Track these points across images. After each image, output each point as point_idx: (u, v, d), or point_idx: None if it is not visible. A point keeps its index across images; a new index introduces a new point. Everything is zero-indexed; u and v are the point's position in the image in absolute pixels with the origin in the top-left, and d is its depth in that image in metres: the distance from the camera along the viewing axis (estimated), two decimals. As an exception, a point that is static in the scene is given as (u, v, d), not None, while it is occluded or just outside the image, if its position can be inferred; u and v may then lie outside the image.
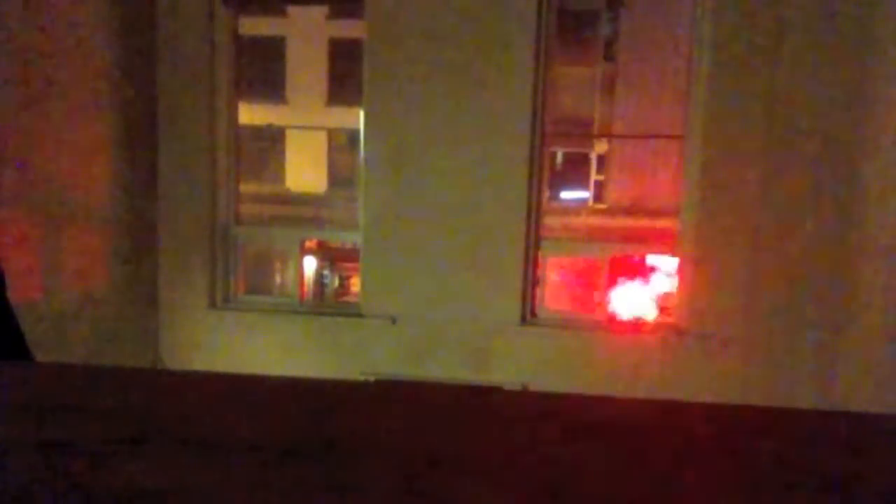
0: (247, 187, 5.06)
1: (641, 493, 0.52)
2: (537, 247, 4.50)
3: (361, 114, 4.55)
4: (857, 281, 3.97)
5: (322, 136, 15.13)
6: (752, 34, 4.08)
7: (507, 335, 4.44)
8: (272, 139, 14.74)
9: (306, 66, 14.54)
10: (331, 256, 12.77)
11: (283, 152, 15.08)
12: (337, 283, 13.46)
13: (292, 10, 13.31)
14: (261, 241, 5.49)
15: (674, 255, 4.51)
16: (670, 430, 0.64)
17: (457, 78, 4.34)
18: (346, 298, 12.41)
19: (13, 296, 1.30)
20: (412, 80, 4.38)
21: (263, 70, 13.59)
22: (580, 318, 4.70)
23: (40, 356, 1.33)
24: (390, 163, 4.48)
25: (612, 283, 4.77)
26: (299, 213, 11.60)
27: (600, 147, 14.05)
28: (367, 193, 4.55)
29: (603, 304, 4.69)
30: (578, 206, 13.18)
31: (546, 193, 4.65)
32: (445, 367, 4.45)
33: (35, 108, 3.59)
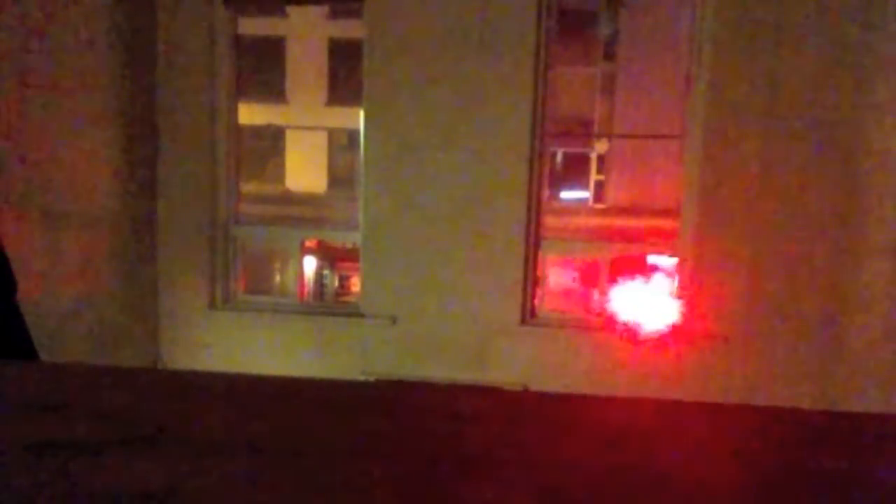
0: (247, 187, 5.06)
1: (642, 493, 0.52)
2: (537, 247, 4.50)
3: (361, 114, 4.55)
4: (857, 281, 3.97)
5: (322, 136, 15.13)
6: (752, 34, 4.08)
7: (507, 335, 4.44)
8: (272, 139, 14.74)
9: (306, 66, 14.54)
10: (331, 256, 12.77)
11: (283, 152, 15.08)
12: (337, 283, 13.46)
13: (292, 10, 13.30)
14: (261, 241, 5.49)
15: (674, 255, 4.52)
16: (670, 430, 0.64)
17: (457, 78, 4.34)
18: (346, 298, 12.42)
19: (14, 296, 1.31)
20: (412, 79, 4.38)
21: (263, 70, 13.60)
22: (580, 318, 4.70)
23: (40, 356, 1.34)
24: (390, 163, 4.48)
25: (612, 283, 4.77)
26: (299, 213, 11.61)
27: (600, 147, 14.05)
28: (367, 193, 4.54)
29: (603, 304, 4.69)
30: (578, 206, 13.18)
31: (546, 193, 4.65)
32: (445, 367, 4.45)
33: (35, 109, 3.59)
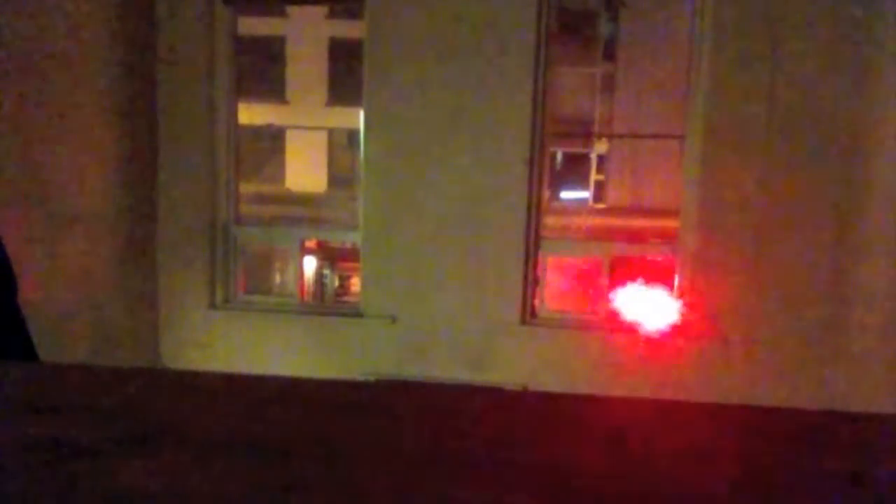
0: (247, 187, 5.07)
1: (641, 493, 0.52)
2: (537, 247, 4.49)
3: (361, 114, 4.55)
4: (857, 281, 3.97)
5: (322, 136, 15.13)
6: (752, 34, 4.08)
7: (507, 335, 4.44)
8: (272, 139, 14.74)
9: (306, 66, 14.53)
10: (331, 256, 12.77)
11: (283, 152, 15.08)
12: (337, 283, 13.46)
13: (292, 10, 13.31)
14: (261, 241, 5.49)
15: (674, 255, 4.51)
16: (670, 430, 0.64)
17: (457, 78, 4.34)
18: (346, 298, 12.42)
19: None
20: (412, 80, 4.38)
21: (263, 70, 13.59)
22: (580, 318, 4.69)
23: (40, 356, 1.34)
24: (390, 163, 4.48)
25: (612, 283, 4.76)
26: (299, 213, 11.61)
27: (600, 147, 14.04)
28: (367, 193, 4.54)
29: (603, 304, 4.68)
30: (578, 206, 13.17)
31: (546, 193, 4.65)
32: (445, 367, 4.45)
33: (35, 109, 3.59)
